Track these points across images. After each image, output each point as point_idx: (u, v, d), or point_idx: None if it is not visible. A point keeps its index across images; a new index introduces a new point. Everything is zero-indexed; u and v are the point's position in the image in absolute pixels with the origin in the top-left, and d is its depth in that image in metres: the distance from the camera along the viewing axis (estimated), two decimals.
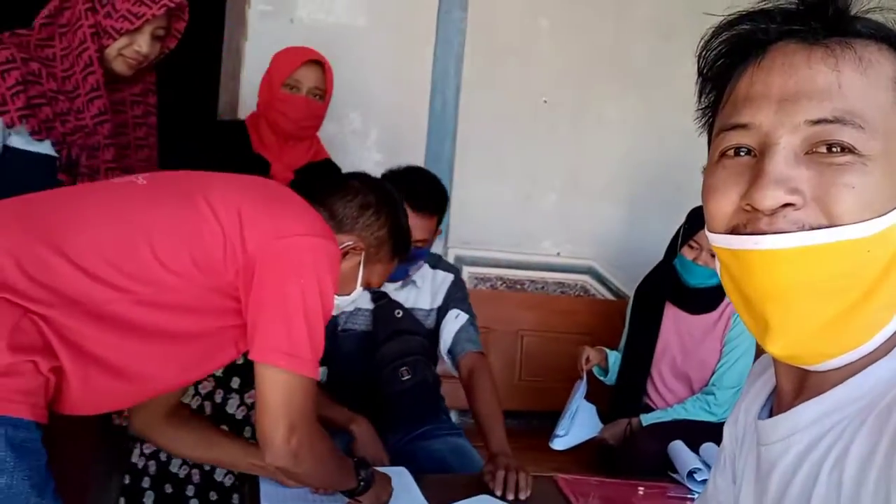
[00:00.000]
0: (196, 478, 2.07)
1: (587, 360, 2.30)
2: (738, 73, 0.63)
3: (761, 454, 0.67)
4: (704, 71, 0.68)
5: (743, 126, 0.61)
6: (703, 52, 0.67)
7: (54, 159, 1.58)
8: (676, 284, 2.32)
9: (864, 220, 0.56)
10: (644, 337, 2.36)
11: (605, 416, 2.34)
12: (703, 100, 0.70)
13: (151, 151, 1.78)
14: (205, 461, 1.91)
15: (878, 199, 0.57)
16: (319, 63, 2.09)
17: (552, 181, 2.86)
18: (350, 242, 1.39)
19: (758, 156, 0.60)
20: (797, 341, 0.59)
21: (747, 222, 0.60)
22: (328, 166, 2.22)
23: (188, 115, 2.45)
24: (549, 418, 2.79)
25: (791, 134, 0.58)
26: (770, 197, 0.57)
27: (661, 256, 2.44)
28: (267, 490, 1.47)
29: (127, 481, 2.05)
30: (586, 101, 2.86)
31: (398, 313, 2.00)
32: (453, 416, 2.59)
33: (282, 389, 1.19)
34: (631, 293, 2.91)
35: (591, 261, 2.91)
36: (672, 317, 2.35)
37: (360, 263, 1.42)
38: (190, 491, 2.06)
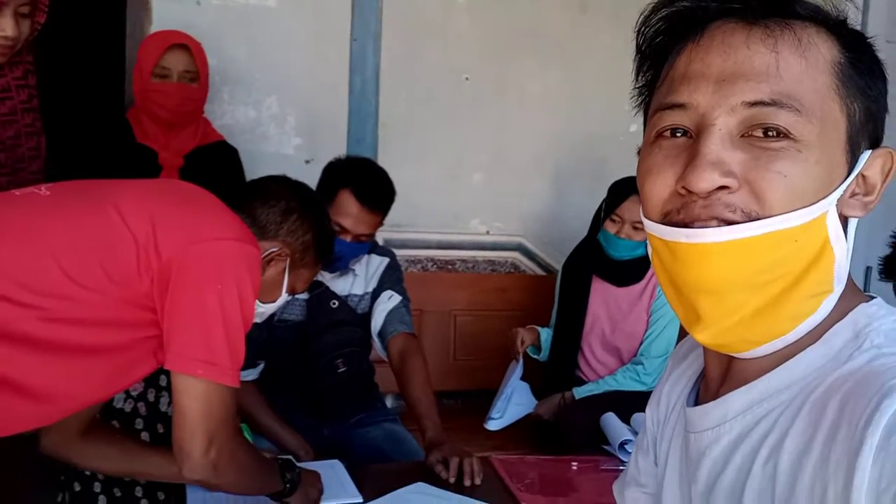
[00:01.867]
0: (141, 478, 2.03)
1: (521, 341, 2.31)
2: (677, 51, 0.62)
3: (690, 441, 0.67)
4: (643, 48, 0.66)
5: (680, 106, 0.60)
6: (642, 29, 0.65)
7: None
8: (601, 258, 2.35)
9: (793, 210, 0.56)
10: (573, 311, 2.39)
11: (539, 392, 2.36)
12: (640, 78, 0.68)
13: (39, 139, 1.67)
14: (127, 474, 1.85)
15: (810, 187, 0.57)
16: (186, 46, 2.03)
17: (478, 159, 2.85)
18: (275, 249, 1.36)
19: (694, 137, 0.60)
20: (725, 330, 0.59)
21: (682, 207, 0.59)
22: (221, 148, 2.18)
23: (95, 107, 2.34)
24: (485, 397, 2.81)
25: (727, 115, 0.58)
26: (706, 179, 0.56)
27: (585, 230, 2.46)
28: (194, 495, 1.42)
29: (77, 489, 2.00)
30: (508, 76, 2.85)
31: (333, 304, 1.97)
32: (389, 401, 2.58)
33: (200, 399, 1.14)
34: (560, 267, 2.96)
35: (521, 237, 2.92)
36: (599, 290, 2.38)
37: (285, 270, 1.40)
38: (139, 492, 2.02)
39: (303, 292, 1.54)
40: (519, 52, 2.84)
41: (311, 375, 1.96)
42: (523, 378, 2.29)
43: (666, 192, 0.60)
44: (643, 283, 2.36)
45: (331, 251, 1.51)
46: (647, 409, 0.81)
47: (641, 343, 2.33)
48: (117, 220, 1.14)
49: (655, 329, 2.31)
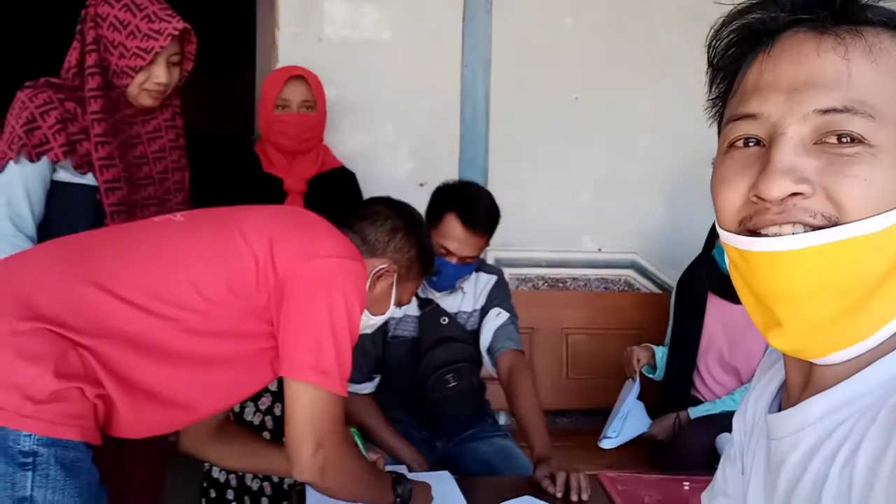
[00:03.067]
0: (268, 489, 2.18)
1: (637, 360, 2.29)
2: (748, 62, 0.63)
3: (771, 448, 0.67)
4: (714, 60, 0.68)
5: (751, 116, 0.61)
6: (713, 42, 0.67)
7: (97, 189, 1.67)
8: (717, 274, 2.29)
9: (873, 215, 0.55)
10: (688, 330, 2.34)
11: (654, 412, 2.33)
12: (713, 90, 0.69)
13: (184, 174, 1.86)
14: (252, 470, 2.01)
15: (888, 191, 0.56)
16: (303, 77, 2.18)
17: (588, 177, 2.85)
18: (384, 266, 1.46)
19: (766, 146, 0.60)
20: (803, 336, 0.59)
21: (754, 214, 0.59)
22: (341, 173, 2.31)
23: (227, 142, 2.56)
24: (598, 416, 2.79)
25: (799, 123, 0.58)
26: (777, 187, 0.57)
27: (699, 246, 2.41)
28: (313, 495, 1.51)
29: (213, 495, 2.19)
30: (619, 94, 2.84)
31: (444, 320, 2.04)
32: (501, 419, 2.62)
33: (309, 404, 1.24)
34: (674, 284, 2.90)
35: (634, 254, 2.89)
36: (715, 308, 2.32)
37: (392, 284, 1.49)
38: (264, 502, 2.18)
39: (408, 303, 1.63)
40: (628, 69, 2.83)
41: (423, 390, 2.02)
42: (638, 398, 2.26)
43: (739, 201, 0.61)
44: None
45: (432, 264, 1.61)
46: (735, 420, 0.81)
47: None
48: (240, 241, 1.27)
49: None
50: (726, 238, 0.63)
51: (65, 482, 1.10)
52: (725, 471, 0.83)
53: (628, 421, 2.23)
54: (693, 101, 2.63)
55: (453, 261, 1.94)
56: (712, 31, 0.66)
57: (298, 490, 1.59)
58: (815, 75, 0.58)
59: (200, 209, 1.44)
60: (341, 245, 1.35)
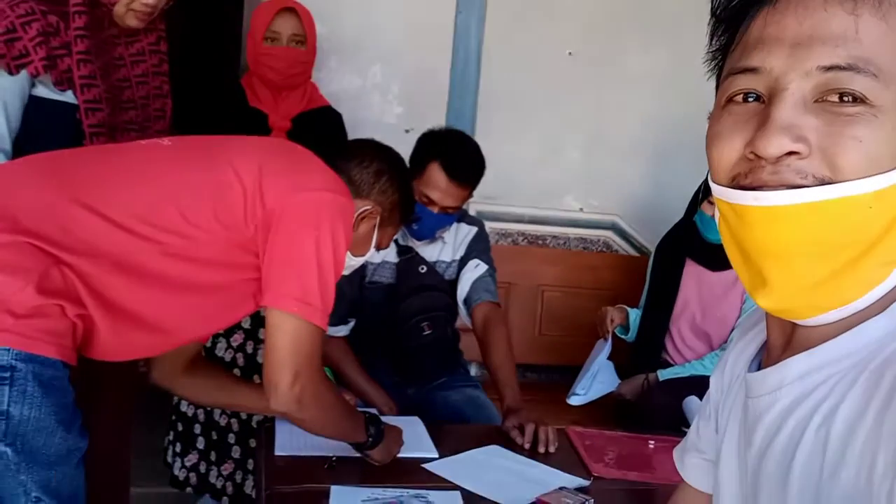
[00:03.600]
0: (235, 426, 2.19)
1: (611, 320, 2.31)
2: (752, 14, 0.61)
3: (748, 407, 0.67)
4: (718, 11, 0.66)
5: (752, 70, 0.59)
6: None
7: (77, 108, 1.61)
8: (697, 241, 2.30)
9: (868, 176, 0.54)
10: (664, 293, 2.36)
11: (624, 372, 2.35)
12: (713, 42, 0.67)
13: (165, 101, 1.80)
14: (223, 406, 2.01)
15: (886, 153, 0.55)
16: (294, 10, 2.12)
17: (576, 136, 2.84)
18: (368, 207, 1.45)
19: (766, 102, 0.59)
20: (791, 295, 0.59)
21: (749, 171, 0.58)
22: (327, 113, 2.26)
23: (215, 74, 2.49)
24: (568, 373, 2.82)
25: (802, 80, 0.56)
26: (775, 144, 0.56)
27: (682, 209, 2.41)
28: (282, 433, 1.52)
29: (181, 428, 2.20)
30: (613, 54, 2.81)
31: (422, 269, 2.03)
32: (473, 370, 2.63)
33: (290, 335, 1.23)
34: (654, 249, 2.91)
35: (615, 216, 2.90)
36: (692, 273, 2.34)
37: (374, 226, 1.49)
38: (231, 438, 2.19)
39: (387, 248, 1.62)
40: (624, 29, 2.80)
41: (397, 336, 2.02)
42: (609, 357, 2.29)
43: (734, 157, 0.60)
44: None
45: (412, 211, 1.62)
46: (712, 378, 0.82)
47: (732, 330, 2.28)
48: (229, 171, 1.25)
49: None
50: (718, 192, 0.62)
51: (42, 399, 1.09)
52: (699, 428, 0.84)
53: (597, 379, 2.25)
54: (686, 64, 2.62)
55: (435, 210, 1.92)
56: None
57: (267, 427, 1.59)
58: (821, 30, 0.56)
59: (189, 136, 1.41)
60: (331, 180, 1.33)
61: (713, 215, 2.20)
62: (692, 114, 2.89)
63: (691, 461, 0.85)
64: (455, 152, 1.92)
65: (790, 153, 0.56)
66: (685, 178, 2.88)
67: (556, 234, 2.85)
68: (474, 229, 2.11)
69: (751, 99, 0.60)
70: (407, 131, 2.56)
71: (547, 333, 2.77)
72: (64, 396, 1.13)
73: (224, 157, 1.27)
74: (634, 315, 2.41)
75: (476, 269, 2.05)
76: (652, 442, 1.75)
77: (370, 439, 1.42)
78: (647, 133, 2.88)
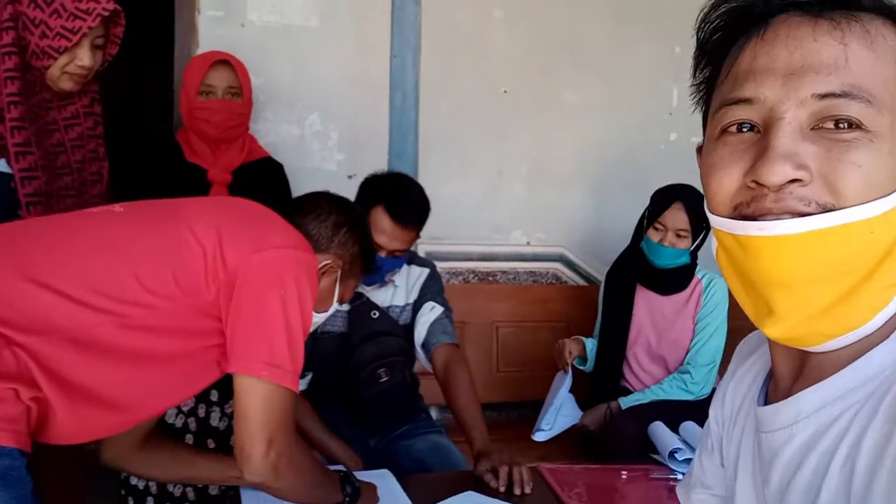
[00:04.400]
0: (191, 495, 2.07)
1: (569, 352, 2.31)
2: (739, 46, 0.61)
3: (762, 441, 0.66)
4: (703, 44, 0.66)
5: (746, 100, 0.59)
6: (702, 25, 0.65)
7: (10, 176, 1.54)
8: (645, 267, 2.33)
9: (869, 201, 0.55)
10: (617, 321, 2.37)
11: (584, 403, 2.35)
12: (697, 74, 0.68)
13: (102, 164, 1.74)
14: (181, 480, 1.90)
15: (884, 177, 0.56)
16: (228, 63, 2.10)
17: (518, 171, 2.86)
18: (329, 261, 1.42)
19: (762, 131, 0.59)
20: (798, 323, 0.58)
21: (751, 200, 0.58)
22: (268, 163, 2.23)
23: (145, 130, 2.42)
24: (527, 408, 2.81)
25: (798, 108, 0.57)
26: (777, 172, 0.55)
27: (626, 239, 2.45)
28: (248, 500, 1.45)
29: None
30: (546, 88, 2.86)
31: (374, 314, 1.99)
32: (434, 413, 2.59)
33: (261, 401, 1.18)
34: (601, 277, 2.94)
35: (562, 248, 2.92)
36: (643, 299, 2.37)
37: (336, 280, 1.45)
38: None
39: (349, 300, 1.59)
40: (556, 64, 2.86)
41: (354, 386, 1.97)
42: (570, 390, 2.28)
43: (734, 186, 0.59)
44: (688, 291, 2.34)
45: (374, 261, 1.59)
46: (711, 410, 0.80)
47: (688, 352, 2.31)
48: (187, 233, 1.20)
49: (702, 337, 2.28)
50: (719, 224, 0.61)
51: (1, 493, 1.01)
52: (703, 461, 0.82)
53: (561, 412, 2.24)
54: (620, 96, 2.69)
55: (383, 254, 1.89)
56: (701, 13, 0.65)
57: (232, 495, 1.51)
58: (813, 59, 0.57)
59: (141, 200, 1.36)
60: (291, 236, 1.29)
61: (659, 241, 2.27)
62: (628, 143, 2.98)
63: (698, 497, 0.83)
64: (398, 195, 1.91)
65: (792, 181, 0.56)
66: (626, 207, 2.94)
67: (506, 270, 2.86)
68: (426, 270, 2.09)
69: (745, 129, 0.60)
70: (350, 177, 2.54)
71: (504, 370, 2.75)
72: (22, 487, 1.05)
73: (180, 219, 1.23)
74: (591, 345, 2.42)
75: (432, 311, 2.02)
76: (624, 472, 1.74)
77: (347, 499, 1.36)
78: (586, 165, 2.94)
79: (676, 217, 2.23)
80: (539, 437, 2.22)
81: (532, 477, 1.62)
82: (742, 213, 0.59)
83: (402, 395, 2.05)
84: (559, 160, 2.90)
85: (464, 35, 2.76)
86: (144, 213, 1.27)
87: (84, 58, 1.57)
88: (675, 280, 2.32)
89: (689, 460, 1.77)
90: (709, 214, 0.63)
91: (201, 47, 2.41)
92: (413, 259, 2.09)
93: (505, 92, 2.81)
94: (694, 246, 2.28)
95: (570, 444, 2.35)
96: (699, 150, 0.66)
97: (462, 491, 1.57)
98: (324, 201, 1.49)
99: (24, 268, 1.10)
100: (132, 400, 1.19)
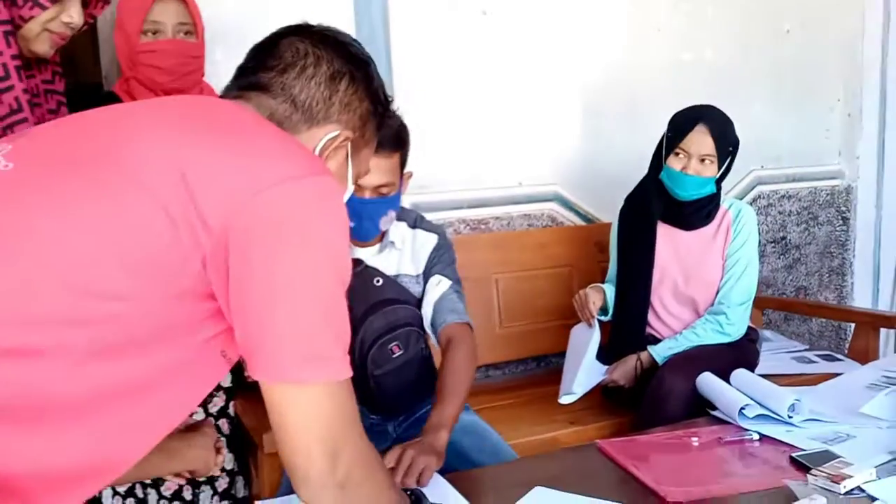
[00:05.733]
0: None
1: (593, 303, 2.06)
2: None
3: None
4: None
5: None
6: None
7: None
8: (666, 199, 2.10)
9: None
10: (639, 263, 2.14)
11: (606, 354, 2.14)
12: None
13: None
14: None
15: None
16: None
17: (501, 103, 2.56)
18: (332, 134, 0.98)
19: None
20: None
21: None
22: None
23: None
24: (529, 363, 2.59)
25: None
26: None
27: (622, 170, 2.22)
28: None
29: None
30: (529, 7, 2.55)
31: (377, 281, 1.69)
32: None
33: (312, 409, 0.83)
34: (599, 214, 2.71)
35: (555, 185, 2.66)
36: (666, 236, 2.14)
37: (347, 156, 1.02)
38: None
39: (367, 174, 1.17)
40: None
41: (363, 366, 1.68)
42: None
43: None
44: (715, 223, 2.12)
45: (388, 107, 1.11)
46: None
47: (718, 291, 2.10)
48: (132, 191, 0.79)
49: (734, 273, 2.08)
50: None
51: None
52: None
53: (586, 369, 2.02)
54: (606, 16, 2.38)
55: (367, 195, 1.58)
56: None
57: None
58: None
59: (41, 135, 0.90)
60: (291, 154, 0.88)
61: (682, 169, 2.02)
62: (616, 67, 2.71)
63: None
64: None
65: None
66: (618, 135, 2.71)
67: (499, 215, 2.58)
68: (433, 237, 1.77)
69: None
70: None
71: (508, 325, 2.49)
72: None
73: (119, 169, 0.81)
74: (611, 292, 2.19)
75: (438, 286, 1.72)
76: (695, 438, 1.52)
77: None
78: (573, 93, 2.66)
79: (701, 141, 2.00)
80: (567, 399, 1.99)
81: (590, 456, 1.38)
82: None
83: (420, 368, 1.77)
84: (544, 89, 2.61)
85: None
86: (53, 168, 0.82)
87: (74, 12, 1.30)
88: (701, 212, 2.09)
89: (761, 416, 1.57)
90: None
91: None
92: (419, 222, 1.78)
93: (484, 13, 2.48)
94: (720, 174, 2.05)
95: (597, 401, 2.14)
96: None
97: (525, 486, 1.32)
98: (300, 43, 0.98)
99: None
100: (122, 449, 0.83)
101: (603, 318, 2.17)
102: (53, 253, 0.76)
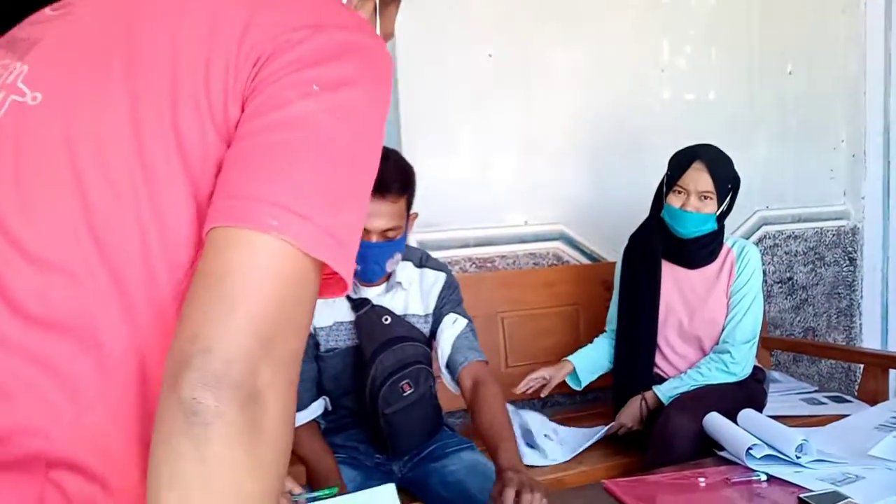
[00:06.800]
0: None
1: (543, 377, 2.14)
2: None
3: None
4: None
5: None
6: None
7: None
8: (669, 238, 2.11)
9: None
10: (644, 302, 2.14)
11: (613, 397, 2.13)
12: None
13: None
14: None
15: None
16: None
17: (507, 143, 2.59)
18: None
19: None
20: None
21: None
22: None
23: None
24: (542, 403, 2.57)
25: None
26: None
27: (628, 209, 2.23)
28: None
29: None
30: (534, 51, 2.59)
31: (386, 320, 1.69)
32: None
33: (263, 271, 0.55)
34: (605, 253, 2.71)
35: (561, 225, 2.67)
36: (669, 275, 2.14)
37: (375, 8, 0.89)
38: None
39: (394, 35, 1.08)
40: (543, 25, 2.59)
41: (373, 405, 1.68)
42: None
43: None
44: (719, 262, 2.13)
45: None
46: None
47: (723, 329, 2.10)
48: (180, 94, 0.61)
49: (738, 311, 2.07)
50: None
51: None
52: None
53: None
54: (610, 57, 2.42)
55: (374, 239, 1.59)
56: None
57: None
58: None
59: (56, 44, 0.67)
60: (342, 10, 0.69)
61: (682, 206, 2.03)
62: (619, 105, 2.74)
63: None
64: None
65: None
66: (623, 176, 2.73)
67: (505, 254, 2.59)
68: (441, 276, 1.79)
69: None
70: None
71: (514, 365, 2.48)
72: None
73: (165, 71, 0.61)
74: (606, 344, 2.22)
75: (455, 325, 1.74)
76: (702, 479, 1.51)
77: None
78: (577, 131, 2.69)
79: (699, 178, 2.01)
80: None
81: (595, 495, 1.37)
82: None
83: (428, 408, 1.78)
84: (549, 129, 2.64)
85: None
86: (93, 97, 0.62)
87: None
88: (704, 250, 2.10)
89: (768, 457, 1.56)
90: None
91: None
92: (426, 261, 1.80)
93: (490, 56, 2.53)
94: (720, 211, 2.06)
95: (606, 443, 2.11)
96: None
97: None
98: None
99: None
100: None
101: (576, 387, 2.22)
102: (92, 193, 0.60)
